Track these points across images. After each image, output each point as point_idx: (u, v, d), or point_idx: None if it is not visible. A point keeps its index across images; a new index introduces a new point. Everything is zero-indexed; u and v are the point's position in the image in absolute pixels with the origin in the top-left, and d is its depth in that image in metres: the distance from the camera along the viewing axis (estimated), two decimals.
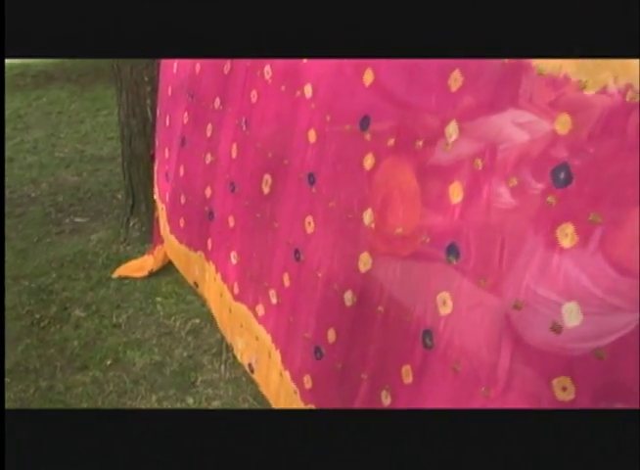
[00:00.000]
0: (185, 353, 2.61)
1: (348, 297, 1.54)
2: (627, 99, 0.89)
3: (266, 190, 1.93)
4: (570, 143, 0.99)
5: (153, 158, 3.06)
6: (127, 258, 3.34)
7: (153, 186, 3.10)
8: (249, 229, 2.07)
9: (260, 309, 2.00)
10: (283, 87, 1.83)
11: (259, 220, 1.98)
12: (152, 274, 3.19)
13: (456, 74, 1.20)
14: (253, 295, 2.05)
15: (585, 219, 0.98)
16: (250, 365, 2.11)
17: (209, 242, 2.40)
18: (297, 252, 1.77)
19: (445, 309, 1.27)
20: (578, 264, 0.95)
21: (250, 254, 2.07)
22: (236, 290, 2.18)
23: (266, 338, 1.97)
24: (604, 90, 0.93)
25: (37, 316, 2.79)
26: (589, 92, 0.95)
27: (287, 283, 1.84)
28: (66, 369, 2.46)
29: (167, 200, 2.81)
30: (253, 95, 2.00)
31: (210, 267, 2.41)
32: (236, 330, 2.21)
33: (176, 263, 2.90)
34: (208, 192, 2.37)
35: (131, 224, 3.42)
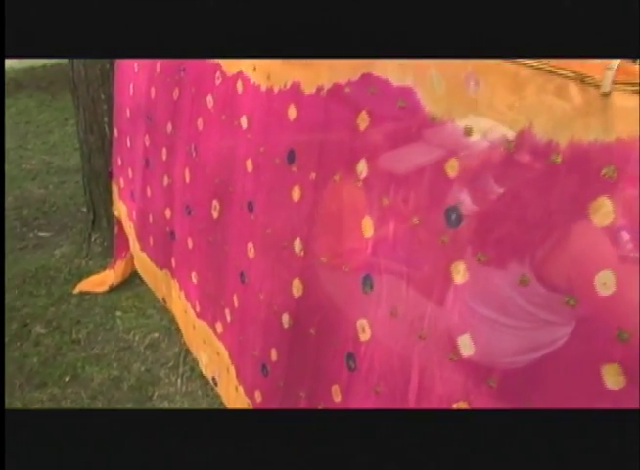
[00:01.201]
0: (143, 368, 2.65)
1: (286, 319, 1.60)
2: (504, 148, 0.95)
3: (215, 215, 1.97)
4: (459, 186, 1.04)
5: (110, 175, 3.10)
6: (89, 273, 3.34)
7: (112, 202, 3.15)
8: (204, 251, 2.10)
9: (219, 327, 2.05)
10: (223, 117, 1.85)
11: (212, 243, 2.02)
12: (112, 289, 3.19)
13: (364, 115, 1.23)
14: (212, 313, 2.10)
15: (473, 258, 1.07)
16: (214, 379, 2.17)
17: (173, 261, 2.43)
18: (241, 275, 1.82)
19: (365, 336, 1.33)
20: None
21: (207, 274, 2.11)
22: (197, 308, 2.22)
23: (225, 354, 2.02)
24: (485, 137, 0.98)
25: None
26: (474, 138, 1.01)
27: (236, 303, 1.89)
28: (24, 387, 2.46)
29: (135, 218, 2.82)
30: (200, 123, 2.02)
31: (175, 285, 2.44)
32: (200, 346, 2.26)
33: (146, 280, 2.91)
34: (168, 213, 2.40)
35: (93, 239, 3.42)
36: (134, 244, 2.90)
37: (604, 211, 0.82)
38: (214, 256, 2.03)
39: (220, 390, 2.13)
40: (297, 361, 1.60)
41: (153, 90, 2.43)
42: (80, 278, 3.28)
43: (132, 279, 3.23)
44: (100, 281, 3.22)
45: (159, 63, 2.33)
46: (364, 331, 1.33)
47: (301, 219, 1.50)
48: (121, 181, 2.95)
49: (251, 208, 1.74)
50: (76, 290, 3.16)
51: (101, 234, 3.42)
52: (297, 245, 1.52)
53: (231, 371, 1.98)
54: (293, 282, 1.54)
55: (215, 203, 1.96)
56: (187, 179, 2.17)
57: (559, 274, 0.90)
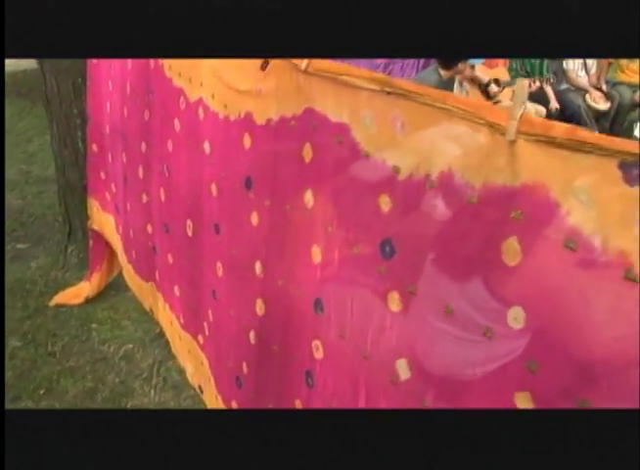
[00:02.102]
0: (117, 379, 2.66)
1: (252, 335, 1.65)
2: (427, 186, 1.01)
3: (190, 233, 2.01)
4: (391, 220, 1.08)
5: (86, 188, 3.13)
6: (65, 285, 3.32)
7: (87, 214, 3.18)
8: (183, 267, 2.15)
9: (200, 338, 2.11)
10: (189, 140, 1.89)
11: (189, 260, 2.06)
12: (88, 301, 3.19)
13: (308, 147, 1.27)
14: (194, 325, 2.15)
15: (405, 289, 1.10)
16: (199, 387, 2.23)
17: (157, 274, 2.47)
18: (213, 292, 1.87)
19: (319, 354, 1.38)
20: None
21: (187, 289, 2.16)
22: (182, 320, 2.27)
23: (206, 364, 2.08)
24: (411, 176, 1.02)
25: None
26: (402, 177, 1.03)
27: (211, 318, 1.95)
28: None
29: (121, 232, 2.86)
30: (169, 144, 2.05)
31: (160, 297, 2.49)
32: (186, 356, 2.32)
33: (133, 290, 2.95)
34: (149, 229, 2.44)
35: (69, 251, 3.43)
36: (122, 256, 2.93)
37: (513, 250, 0.87)
38: (192, 271, 2.07)
39: (205, 398, 2.19)
40: (265, 375, 1.66)
41: (125, 110, 2.46)
42: (57, 290, 3.27)
43: (107, 291, 3.28)
44: (76, 293, 3.21)
45: (128, 83, 2.37)
46: (318, 350, 1.38)
47: (260, 243, 1.54)
48: (107, 195, 2.97)
49: (217, 229, 1.78)
50: (52, 302, 3.18)
51: (77, 246, 3.44)
52: (258, 267, 1.56)
53: (212, 381, 2.04)
54: (256, 301, 1.60)
55: (189, 222, 2.01)
56: (162, 198, 2.21)
57: (477, 307, 0.96)
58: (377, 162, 1.09)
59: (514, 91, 0.82)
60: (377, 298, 1.15)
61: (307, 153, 1.29)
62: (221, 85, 1.62)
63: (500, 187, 0.87)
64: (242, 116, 1.53)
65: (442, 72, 4.36)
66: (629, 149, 0.71)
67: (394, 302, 1.11)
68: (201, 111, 1.77)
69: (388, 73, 4.93)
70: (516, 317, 0.89)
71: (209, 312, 1.96)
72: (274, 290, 1.53)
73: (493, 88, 5.26)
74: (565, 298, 0.84)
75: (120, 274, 3.31)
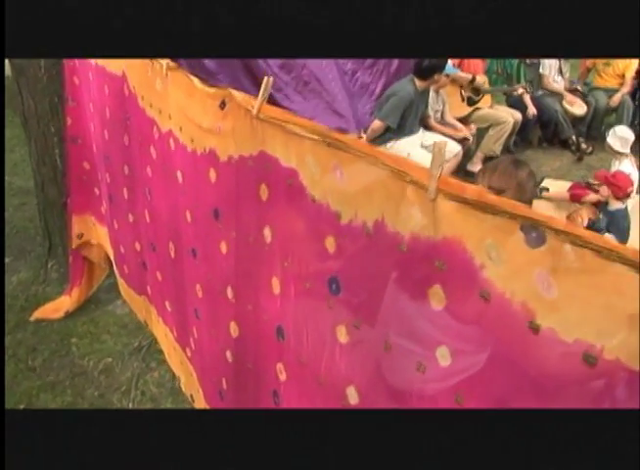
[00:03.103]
0: (96, 393, 2.69)
1: (228, 354, 1.74)
2: (365, 232, 1.05)
3: (172, 255, 2.08)
4: (336, 261, 1.14)
5: (65, 205, 3.18)
6: (46, 300, 3.31)
7: (67, 229, 3.22)
8: (171, 284, 2.21)
9: (188, 352, 2.20)
10: (165, 168, 1.94)
11: (175, 279, 2.13)
12: (68, 315, 3.19)
13: (264, 187, 1.33)
14: (184, 338, 2.23)
15: (351, 323, 1.17)
16: (191, 396, 2.31)
17: (148, 289, 2.54)
18: (196, 311, 1.95)
19: (282, 377, 1.45)
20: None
21: (176, 304, 2.24)
22: (174, 333, 2.35)
23: (195, 376, 2.17)
24: (351, 222, 1.08)
25: None
26: (343, 222, 1.13)
27: (195, 335, 2.03)
28: None
29: (113, 247, 2.92)
30: (148, 170, 2.11)
31: (153, 311, 2.56)
32: (179, 366, 2.40)
33: (128, 302, 3.01)
34: (138, 246, 2.50)
35: (49, 266, 3.49)
36: (115, 269, 3.01)
37: (438, 296, 0.95)
38: (178, 289, 2.14)
39: (196, 406, 2.28)
40: (242, 392, 1.75)
41: (106, 133, 2.49)
42: (37, 305, 3.26)
43: (88, 305, 3.30)
44: (56, 308, 3.22)
45: (107, 108, 2.41)
46: (282, 373, 1.46)
47: (230, 270, 1.61)
48: (102, 209, 3.02)
49: (194, 253, 1.84)
50: (33, 317, 3.18)
51: (57, 260, 3.48)
52: (230, 292, 1.64)
53: (200, 392, 2.13)
54: (230, 324, 1.68)
55: (171, 245, 2.08)
56: (147, 219, 2.27)
57: (410, 345, 1.04)
58: (322, 206, 1.16)
59: (437, 149, 0.89)
60: (328, 330, 1.22)
61: (264, 192, 1.35)
62: (187, 120, 1.67)
63: (424, 239, 0.94)
64: (207, 151, 1.58)
65: (418, 83, 4.43)
66: (528, 214, 0.79)
67: (342, 334, 1.18)
68: (171, 142, 1.82)
69: (356, 81, 5.00)
70: (443, 355, 0.97)
71: (194, 329, 2.04)
72: (245, 314, 1.60)
73: (480, 81, 5.37)
74: (483, 341, 0.92)
75: (100, 288, 3.37)
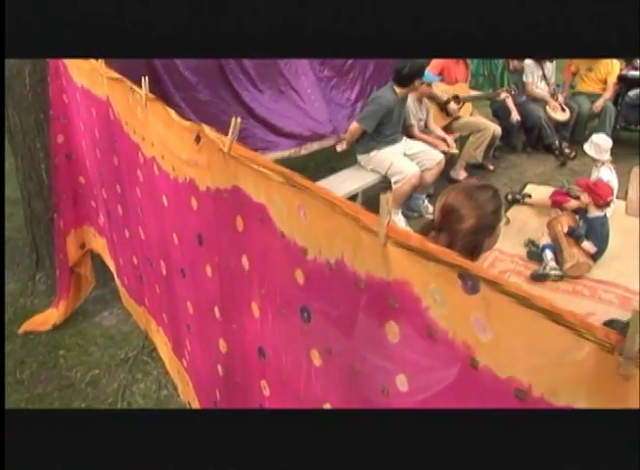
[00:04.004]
0: (83, 405, 2.77)
1: (219, 368, 1.84)
2: (329, 268, 1.16)
3: (164, 272, 2.16)
4: (305, 291, 1.22)
5: (52, 220, 3.25)
6: (34, 312, 3.39)
7: (54, 242, 3.28)
8: (166, 299, 2.30)
9: (184, 362, 2.30)
10: (151, 191, 2.01)
11: (168, 294, 2.22)
12: (56, 327, 3.29)
13: (239, 219, 1.40)
14: (179, 350, 2.33)
15: (323, 348, 1.25)
16: (189, 403, 2.40)
17: (147, 300, 2.64)
18: (188, 326, 2.05)
19: (267, 393, 1.56)
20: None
21: (170, 319, 2.33)
22: (171, 344, 2.44)
23: (191, 385, 2.27)
24: (316, 258, 1.15)
25: None
26: (310, 257, 1.22)
27: (189, 347, 2.13)
28: None
29: (113, 258, 3.01)
30: (138, 191, 2.18)
31: (153, 321, 2.65)
32: (176, 375, 2.50)
33: (130, 311, 3.10)
34: (135, 260, 2.59)
35: (37, 278, 3.58)
36: (117, 279, 3.11)
37: (393, 331, 1.03)
38: (171, 304, 2.23)
39: None
40: (233, 403, 1.85)
41: (98, 152, 2.57)
42: (25, 318, 3.34)
43: (75, 317, 3.39)
44: (44, 320, 3.31)
45: (96, 129, 2.48)
46: (265, 389, 1.56)
47: (216, 291, 1.69)
48: (99, 221, 3.11)
49: (183, 273, 1.93)
50: (21, 330, 3.28)
51: (45, 273, 3.55)
52: (217, 311, 1.73)
53: (196, 401, 2.23)
54: (219, 340, 1.77)
55: (162, 262, 2.16)
56: (142, 236, 2.35)
57: (375, 370, 1.12)
58: (290, 241, 1.23)
59: (384, 201, 0.97)
60: (303, 353, 1.31)
61: (239, 223, 1.42)
62: (167, 149, 1.74)
63: (378, 279, 1.02)
64: (187, 180, 1.65)
65: (398, 90, 4.52)
66: (464, 264, 0.87)
67: (316, 357, 1.27)
68: (155, 168, 1.89)
69: (332, 87, 5.08)
70: (402, 382, 1.06)
71: (187, 342, 2.14)
72: (231, 333, 1.69)
73: (452, 106, 5.44)
74: (434, 373, 1.00)
75: (87, 300, 3.44)
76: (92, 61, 2.21)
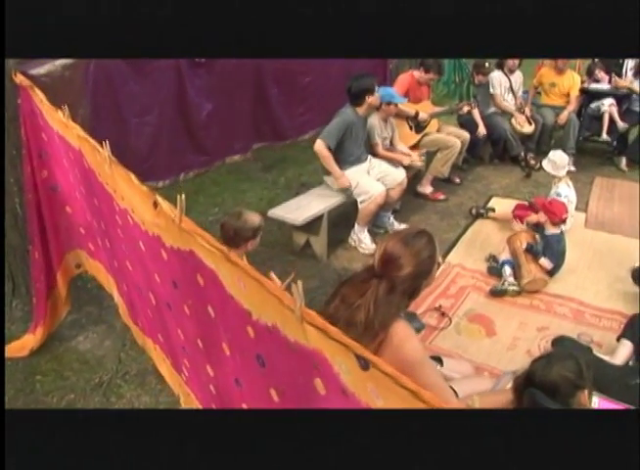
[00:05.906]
0: None
1: (212, 388, 2.10)
2: (268, 330, 1.35)
3: (154, 302, 2.36)
4: (257, 342, 1.44)
5: (29, 252, 3.42)
6: (11, 339, 3.51)
7: (30, 271, 3.46)
8: (161, 325, 2.49)
9: (184, 377, 2.51)
10: (128, 238, 2.22)
11: (162, 321, 2.41)
12: (33, 353, 3.42)
13: (199, 276, 1.60)
14: (178, 366, 2.54)
15: (279, 389, 1.47)
16: None
17: (140, 323, 2.87)
18: (183, 348, 2.28)
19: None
20: None
21: (166, 340, 2.53)
22: (170, 360, 2.65)
23: (193, 397, 2.49)
24: (258, 319, 1.36)
25: None
26: (254, 318, 1.42)
27: (188, 365, 2.36)
28: None
29: (110, 279, 3.20)
30: (119, 232, 2.37)
31: (148, 340, 2.87)
32: (177, 387, 2.71)
33: (129, 326, 3.26)
34: (125, 288, 2.81)
35: (14, 305, 3.76)
36: (115, 298, 3.29)
37: (320, 386, 1.22)
38: (165, 329, 2.43)
39: None
40: None
41: (83, 188, 2.75)
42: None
43: (51, 342, 3.54)
44: (21, 346, 3.45)
45: (77, 169, 2.63)
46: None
47: (195, 328, 1.93)
48: (90, 245, 3.30)
49: (169, 307, 2.15)
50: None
51: (21, 300, 3.74)
52: (200, 343, 1.96)
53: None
54: (206, 366, 2.02)
55: (151, 295, 2.36)
56: (130, 268, 2.54)
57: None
58: (237, 303, 1.43)
59: (295, 291, 1.18)
60: (264, 390, 1.53)
61: (200, 280, 1.63)
62: (135, 206, 1.93)
63: (303, 345, 1.24)
64: (155, 235, 1.84)
65: (357, 109, 4.73)
66: (353, 346, 1.05)
67: (274, 395, 1.50)
68: (129, 217, 2.07)
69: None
70: None
71: (185, 361, 2.37)
72: (213, 362, 1.93)
73: (423, 116, 5.68)
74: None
75: (63, 325, 3.61)
76: (61, 114, 2.39)
